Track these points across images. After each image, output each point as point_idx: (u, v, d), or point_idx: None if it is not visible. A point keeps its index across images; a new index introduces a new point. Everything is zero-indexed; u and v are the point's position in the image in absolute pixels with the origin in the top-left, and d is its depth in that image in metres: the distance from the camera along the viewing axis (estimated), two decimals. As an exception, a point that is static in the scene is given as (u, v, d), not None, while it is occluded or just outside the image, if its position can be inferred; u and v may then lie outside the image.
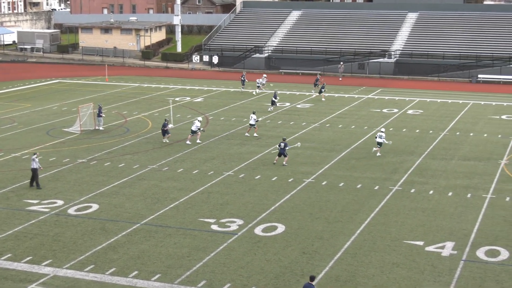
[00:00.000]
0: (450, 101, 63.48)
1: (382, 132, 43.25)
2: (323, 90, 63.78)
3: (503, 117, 55.58)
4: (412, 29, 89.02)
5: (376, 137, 43.24)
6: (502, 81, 76.97)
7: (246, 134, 48.02)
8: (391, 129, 50.30)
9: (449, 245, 27.69)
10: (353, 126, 51.47)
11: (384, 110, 58.19)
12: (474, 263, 25.91)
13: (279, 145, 39.77)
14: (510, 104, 61.71)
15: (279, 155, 39.90)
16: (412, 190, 35.16)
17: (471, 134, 48.95)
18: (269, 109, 57.47)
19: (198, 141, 45.48)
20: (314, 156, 42.09)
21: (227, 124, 51.83)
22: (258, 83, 67.56)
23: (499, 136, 48.28)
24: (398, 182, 36.69)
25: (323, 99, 63.42)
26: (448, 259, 26.24)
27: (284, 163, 39.60)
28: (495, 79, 77.29)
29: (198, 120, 45.96)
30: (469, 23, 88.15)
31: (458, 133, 48.95)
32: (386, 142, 42.88)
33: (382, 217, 31.02)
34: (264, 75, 70.56)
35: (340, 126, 51.64)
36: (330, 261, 26.04)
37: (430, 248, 27.33)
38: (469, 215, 31.38)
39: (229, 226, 29.78)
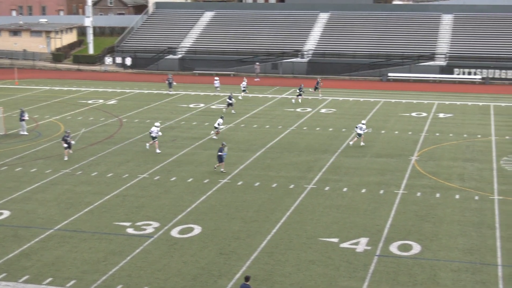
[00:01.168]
0: (362, 99, 64.66)
1: (363, 124, 45.21)
2: (301, 92, 62.77)
3: (413, 114, 56.96)
4: (324, 29, 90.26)
5: (356, 128, 45.35)
6: (412, 79, 78.87)
7: (214, 137, 47.67)
8: (304, 128, 50.89)
9: (363, 241, 28.20)
10: (267, 126, 51.82)
11: (298, 110, 58.79)
12: (388, 258, 26.47)
13: (220, 151, 38.17)
14: (420, 102, 63.29)
15: (220, 161, 38.45)
16: (327, 188, 35.66)
17: (383, 131, 49.98)
18: (224, 111, 56.90)
19: (158, 150, 43.40)
20: (230, 156, 42.14)
21: (142, 126, 51.38)
22: (243, 87, 66.18)
23: (410, 133, 49.46)
24: (313, 180, 37.14)
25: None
26: (363, 255, 26.73)
27: (222, 169, 38.52)
28: (405, 77, 79.14)
29: (156, 126, 43.92)
30: (379, 22, 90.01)
31: (370, 131, 49.86)
32: (367, 130, 46.48)
33: (297, 216, 31.34)
34: (245, 79, 68.95)
35: (255, 126, 51.92)
36: (247, 260, 26.15)
37: (345, 245, 27.77)
38: (382, 211, 32.04)
39: (145, 229, 29.55)
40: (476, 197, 34.16)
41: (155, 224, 30.12)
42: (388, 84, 77.33)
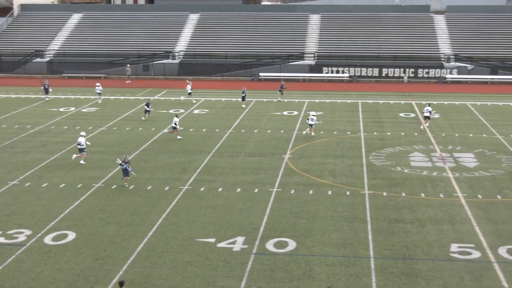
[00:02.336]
0: (234, 99, 65.10)
1: (313, 116, 48.57)
2: (243, 95, 61.67)
3: (285, 113, 57.90)
4: (194, 30, 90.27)
5: (308, 120, 48.36)
6: (283, 78, 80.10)
7: (178, 137, 47.50)
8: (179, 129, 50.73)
9: (240, 240, 28.41)
10: (140, 128, 51.31)
11: (171, 111, 58.52)
12: (264, 256, 26.78)
13: (121, 164, 36.07)
14: (291, 101, 64.38)
15: (124, 175, 36.23)
16: (202, 189, 35.69)
17: (256, 130, 50.53)
18: (143, 118, 55.26)
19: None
20: (103, 160, 41.46)
21: (10, 132, 49.72)
22: (189, 90, 64.39)
23: (282, 131, 50.24)
24: (188, 181, 37.08)
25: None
26: (240, 254, 26.92)
27: (125, 183, 36.42)
28: (276, 77, 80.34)
29: (82, 135, 41.75)
30: (249, 23, 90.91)
31: (243, 131, 50.32)
32: (317, 122, 49.17)
33: (173, 217, 31.21)
34: (188, 81, 66.92)
35: (128, 128, 51.30)
36: (124, 265, 25.80)
37: (222, 244, 27.89)
38: (257, 209, 32.38)
39: (17, 238, 28.61)
40: (348, 192, 35.11)
41: (27, 232, 29.22)
42: (259, 83, 78.28)
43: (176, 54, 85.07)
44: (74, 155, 41.23)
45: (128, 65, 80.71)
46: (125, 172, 35.97)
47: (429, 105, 53.10)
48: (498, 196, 34.56)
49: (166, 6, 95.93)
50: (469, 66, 79.77)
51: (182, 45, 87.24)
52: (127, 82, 78.47)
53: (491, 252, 27.18)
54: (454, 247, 27.76)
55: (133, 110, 59.22)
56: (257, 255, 26.88)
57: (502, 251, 27.33)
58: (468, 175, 38.43)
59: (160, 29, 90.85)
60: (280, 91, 65.78)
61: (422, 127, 51.75)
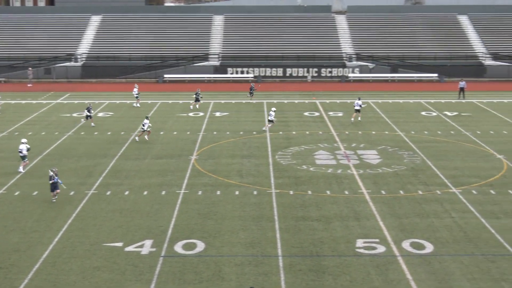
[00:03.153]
0: (139, 101, 64.48)
1: (273, 111, 50.38)
2: (198, 97, 60.72)
3: (191, 114, 57.77)
4: (97, 32, 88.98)
5: (269, 116, 50.21)
6: (187, 79, 79.96)
7: (136, 138, 47.16)
8: (82, 133, 49.93)
9: (148, 243, 28.19)
10: (43, 133, 50.22)
11: (74, 114, 57.53)
12: (173, 258, 26.66)
13: (50, 179, 33.49)
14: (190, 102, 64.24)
15: (52, 189, 33.59)
16: (108, 193, 35.22)
17: (162, 132, 50.23)
18: (82, 120, 53.38)
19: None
20: (5, 166, 40.38)
21: None
22: (135, 94, 62.54)
23: (188, 133, 50.12)
24: (94, 185, 36.53)
25: (197, 106, 61.01)
26: (148, 257, 26.71)
27: (54, 198, 33.97)
28: (181, 78, 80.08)
29: (23, 143, 39.86)
30: (152, 24, 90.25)
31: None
32: (274, 119, 50.46)
33: (79, 222, 30.68)
34: (136, 85, 64.77)
35: (30, 133, 50.11)
36: (29, 273, 25.19)
37: (130, 248, 27.61)
38: (165, 211, 32.20)
39: None
40: (255, 192, 35.34)
41: None
42: (164, 85, 77.89)
43: (79, 56, 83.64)
44: (20, 167, 39.72)
45: (30, 68, 78.82)
46: (54, 186, 33.46)
47: (359, 98, 54.87)
48: (401, 192, 35.48)
49: (67, 7, 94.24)
50: (371, 65, 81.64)
51: (84, 47, 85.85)
52: (28, 85, 76.63)
53: (395, 246, 27.87)
54: (359, 242, 28.33)
55: (36, 114, 57.89)
56: (165, 257, 26.73)
57: (406, 244, 28.07)
58: (372, 172, 39.30)
59: (62, 31, 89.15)
60: (250, 92, 65.28)
61: (352, 119, 54.00)
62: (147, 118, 48.27)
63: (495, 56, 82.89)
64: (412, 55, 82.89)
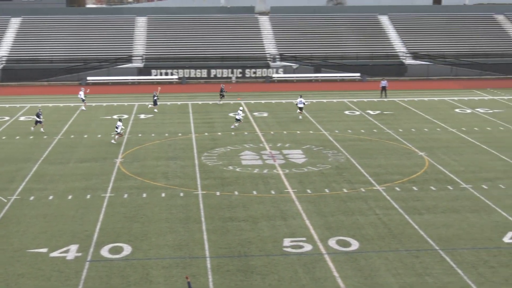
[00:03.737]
0: (62, 104, 63.51)
1: (240, 110, 52.23)
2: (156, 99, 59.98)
3: (114, 117, 57.05)
4: (17, 34, 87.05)
5: (237, 114, 51.47)
6: (111, 82, 79.05)
7: (113, 141, 46.51)
8: (4, 137, 48.84)
9: (73, 248, 27.78)
10: (-38, 138, 48.99)
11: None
12: (100, 262, 26.35)
13: None
14: (121, 104, 63.63)
15: None
16: (32, 198, 34.55)
17: (85, 136, 49.53)
18: (32, 129, 51.36)
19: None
20: None
21: None
22: (81, 96, 60.57)
23: (113, 135, 49.55)
24: (16, 191, 35.77)
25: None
26: (74, 262, 26.32)
27: None
28: (104, 81, 79.09)
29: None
30: (74, 26, 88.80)
31: (72, 136, 49.21)
32: (243, 115, 52.33)
33: (2, 229, 30.00)
34: (82, 89, 62.92)
35: None
36: (-50, 282, 24.53)
37: (55, 254, 27.15)
38: (90, 216, 31.78)
39: None
40: (181, 194, 35.23)
41: None
42: (86, 87, 76.59)
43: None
44: None
45: None
46: None
47: (301, 96, 56.51)
48: (326, 190, 35.92)
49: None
50: (294, 65, 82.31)
51: (4, 50, 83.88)
52: None
53: (321, 244, 28.20)
54: (286, 241, 28.56)
55: (-47, 119, 56.37)
56: (92, 262, 26.39)
57: (332, 242, 28.44)
58: (297, 171, 39.65)
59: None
60: (221, 94, 64.23)
61: (300, 117, 55.91)
62: (120, 120, 47.99)
63: (415, 56, 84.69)
64: (335, 55, 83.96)
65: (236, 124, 51.60)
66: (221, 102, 63.95)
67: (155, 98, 59.84)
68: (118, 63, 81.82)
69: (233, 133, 50.20)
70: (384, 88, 67.15)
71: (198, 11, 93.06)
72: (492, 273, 25.42)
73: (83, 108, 61.06)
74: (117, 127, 47.16)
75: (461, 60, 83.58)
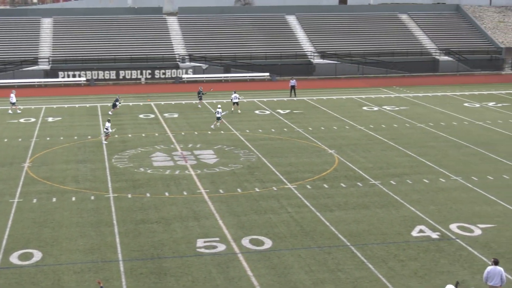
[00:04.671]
0: (-35, 109, 61.65)
1: (219, 108, 52.18)
2: (117, 104, 59.14)
3: (21, 120, 55.83)
4: None
5: (216, 113, 51.55)
6: (16, 85, 77.06)
7: (104, 142, 46.99)
8: None
9: (-19, 256, 27.04)
10: None
11: None
12: (9, 270, 25.71)
13: None
14: (27, 107, 62.20)
15: None
16: None
17: (-9, 140, 48.30)
18: None
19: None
20: None
21: None
22: (13, 100, 58.00)
23: (20, 139, 48.43)
24: None
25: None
26: (-18, 271, 25.64)
27: None
28: (9, 84, 76.96)
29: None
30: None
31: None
32: (224, 113, 52.71)
33: None
34: (13, 91, 59.99)
35: None
36: None
37: (-39, 263, 26.36)
38: (-2, 222, 31.01)
39: None
40: (92, 197, 34.73)
41: None
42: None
43: None
44: None
45: None
46: None
47: (235, 92, 59.93)
48: (239, 190, 36.08)
49: None
50: (204, 66, 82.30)
51: None
52: None
53: (235, 244, 28.32)
54: (200, 242, 28.55)
55: None
56: (0, 270, 25.72)
57: (245, 241, 28.59)
58: (209, 171, 39.69)
59: None
60: (199, 96, 62.84)
61: (239, 111, 58.73)
62: (108, 121, 47.68)
63: (323, 55, 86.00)
64: (244, 55, 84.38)
65: (217, 124, 51.83)
66: (200, 105, 63.12)
67: (118, 103, 59.20)
68: (24, 65, 79.91)
69: (143, 135, 49.81)
70: (293, 87, 67.89)
71: (105, 12, 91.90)
72: (401, 266, 26.08)
73: (17, 111, 59.71)
74: (107, 128, 46.96)
75: (367, 59, 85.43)
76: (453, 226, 30.34)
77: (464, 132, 50.17)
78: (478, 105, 62.33)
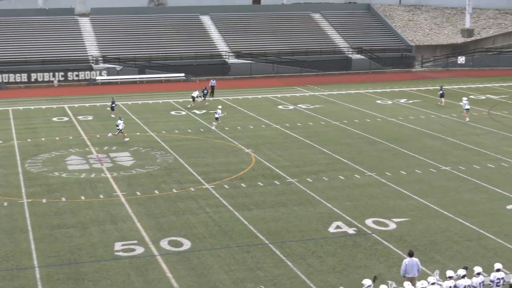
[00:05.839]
0: None
1: (219, 108, 52.69)
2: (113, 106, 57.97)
3: None
4: None
5: (216, 114, 51.82)
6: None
7: (126, 139, 47.79)
8: None
9: None
10: None
11: None
12: None
13: None
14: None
15: None
16: None
17: None
18: None
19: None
20: None
21: None
22: None
23: None
24: None
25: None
26: None
27: None
28: None
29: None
30: None
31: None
32: (222, 114, 52.52)
33: None
34: None
35: None
36: None
37: None
38: None
39: None
40: (5, 203, 33.89)
41: None
42: None
43: None
44: None
45: None
46: None
47: (197, 90, 61.66)
48: (156, 191, 35.84)
49: None
50: (118, 67, 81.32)
51: None
52: None
53: (153, 246, 28.13)
54: (118, 245, 28.24)
55: None
56: None
57: (164, 243, 28.44)
58: (126, 174, 39.28)
59: None
60: (204, 95, 63.32)
61: (207, 103, 61.13)
62: (120, 118, 48.34)
63: (238, 55, 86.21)
64: (159, 56, 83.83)
65: (214, 123, 51.85)
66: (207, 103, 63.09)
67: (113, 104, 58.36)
68: None
69: (57, 138, 48.89)
70: (212, 88, 67.85)
71: (15, 14, 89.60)
72: (320, 262, 26.42)
73: None
74: (118, 125, 47.50)
75: (282, 58, 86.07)
76: (369, 221, 30.93)
77: (378, 129, 51.18)
78: (390, 102, 63.69)
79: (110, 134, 48.54)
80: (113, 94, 66.84)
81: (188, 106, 52.23)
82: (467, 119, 53.99)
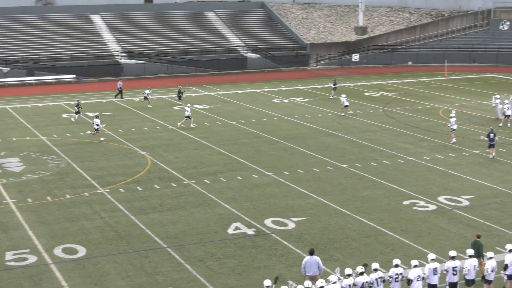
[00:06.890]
0: None
1: (188, 106, 52.80)
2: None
3: None
4: None
5: (186, 112, 51.76)
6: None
7: (102, 138, 47.47)
8: None
9: None
10: None
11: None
12: None
13: None
14: None
15: None
16: None
17: None
18: None
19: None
20: None
21: None
22: None
23: None
24: None
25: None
26: None
27: None
28: None
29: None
30: None
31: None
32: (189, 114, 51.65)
33: None
34: None
35: None
36: None
37: None
38: None
39: None
40: None
41: None
42: None
43: None
44: None
45: None
46: None
47: (149, 88, 62.77)
48: (48, 197, 34.60)
49: None
50: (5, 69, 78.54)
51: None
52: None
53: (47, 254, 27.08)
54: (9, 255, 27.04)
55: None
56: None
57: (58, 251, 27.42)
58: (16, 180, 37.79)
59: None
60: (178, 96, 63.21)
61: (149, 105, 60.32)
62: (97, 117, 47.99)
63: (131, 55, 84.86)
64: (48, 57, 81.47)
65: (184, 121, 51.83)
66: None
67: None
68: None
69: None
70: (120, 90, 66.26)
71: None
72: (219, 264, 26.04)
73: None
74: (97, 125, 47.38)
75: (176, 58, 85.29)
76: (268, 221, 30.77)
77: (274, 128, 51.26)
78: (286, 101, 64.01)
79: (88, 132, 48.52)
80: (1, 98, 64.55)
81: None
82: (342, 114, 55.31)
